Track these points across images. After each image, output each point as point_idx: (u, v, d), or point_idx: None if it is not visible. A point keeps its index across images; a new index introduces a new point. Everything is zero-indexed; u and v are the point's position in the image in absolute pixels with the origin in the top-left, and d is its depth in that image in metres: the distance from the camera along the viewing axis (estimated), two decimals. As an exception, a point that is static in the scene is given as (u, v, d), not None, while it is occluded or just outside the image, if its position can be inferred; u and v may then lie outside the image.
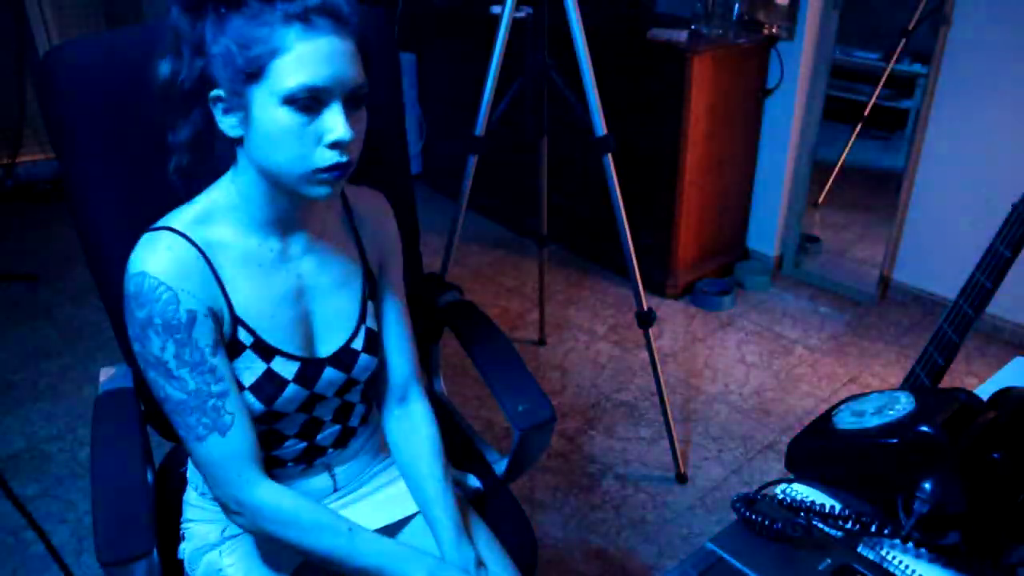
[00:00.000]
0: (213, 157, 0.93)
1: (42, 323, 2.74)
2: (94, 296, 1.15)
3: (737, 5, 2.74)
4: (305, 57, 0.82)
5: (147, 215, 0.94)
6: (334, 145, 0.86)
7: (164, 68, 0.88)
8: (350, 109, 0.87)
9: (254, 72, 0.83)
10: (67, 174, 1.10)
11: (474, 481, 1.23)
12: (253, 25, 0.83)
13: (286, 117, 0.84)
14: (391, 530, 1.09)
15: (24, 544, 1.85)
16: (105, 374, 1.21)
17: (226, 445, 0.91)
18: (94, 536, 0.94)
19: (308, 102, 0.84)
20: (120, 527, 0.96)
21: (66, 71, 1.06)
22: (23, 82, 3.40)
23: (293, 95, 0.83)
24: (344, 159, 0.87)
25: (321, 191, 0.89)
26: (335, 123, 0.85)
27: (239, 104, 0.86)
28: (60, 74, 1.06)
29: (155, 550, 0.95)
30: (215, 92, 0.87)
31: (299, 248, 0.99)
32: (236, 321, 0.94)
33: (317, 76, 0.83)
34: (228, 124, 0.88)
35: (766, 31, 2.73)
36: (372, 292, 1.07)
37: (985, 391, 0.88)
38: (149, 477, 1.05)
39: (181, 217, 0.92)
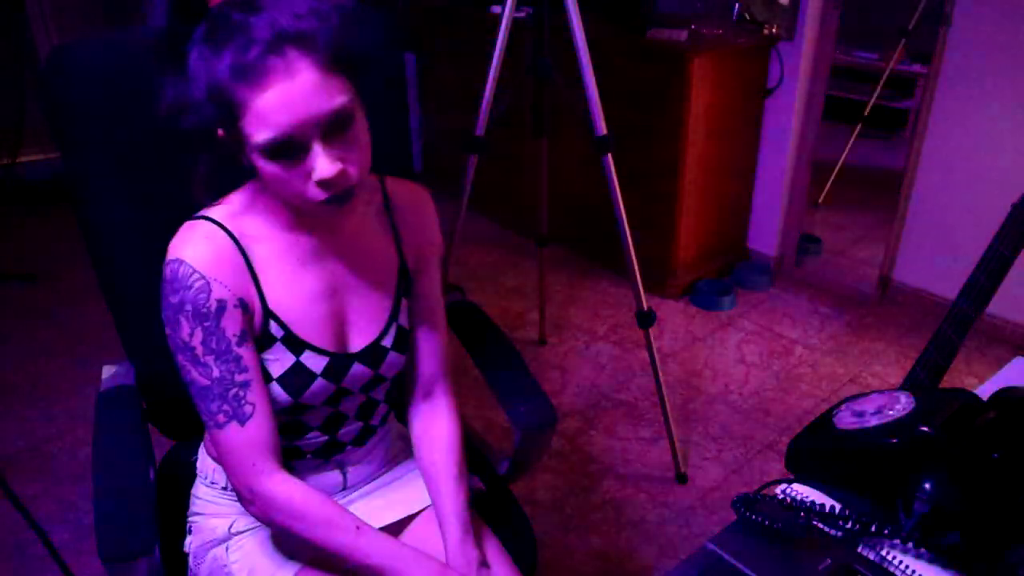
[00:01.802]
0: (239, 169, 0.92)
1: (42, 323, 2.74)
2: (94, 296, 1.15)
3: (737, 5, 2.74)
4: (263, 112, 0.79)
5: (149, 213, 0.94)
6: (322, 182, 0.84)
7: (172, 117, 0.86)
8: (334, 136, 0.83)
9: (228, 127, 0.83)
10: (69, 173, 1.10)
11: (475, 481, 1.23)
12: (213, 81, 0.80)
13: (269, 165, 0.83)
14: (396, 527, 1.09)
15: (24, 544, 1.85)
16: (107, 371, 1.21)
17: (244, 434, 0.92)
18: (95, 533, 0.94)
19: (283, 150, 0.82)
20: (121, 524, 0.96)
21: (69, 70, 1.07)
22: (23, 82, 3.39)
23: (265, 149, 0.82)
24: (338, 189, 0.85)
25: (331, 213, 0.89)
26: (316, 163, 0.83)
27: (239, 147, 0.85)
28: (63, 73, 1.06)
29: (156, 547, 0.96)
30: (220, 134, 0.86)
31: (334, 245, 0.99)
32: (268, 314, 0.94)
33: (280, 128, 0.80)
34: (241, 158, 0.88)
35: (766, 31, 2.73)
36: (407, 289, 1.08)
37: (985, 391, 0.88)
38: (151, 474, 1.06)
39: (222, 209, 0.93)
